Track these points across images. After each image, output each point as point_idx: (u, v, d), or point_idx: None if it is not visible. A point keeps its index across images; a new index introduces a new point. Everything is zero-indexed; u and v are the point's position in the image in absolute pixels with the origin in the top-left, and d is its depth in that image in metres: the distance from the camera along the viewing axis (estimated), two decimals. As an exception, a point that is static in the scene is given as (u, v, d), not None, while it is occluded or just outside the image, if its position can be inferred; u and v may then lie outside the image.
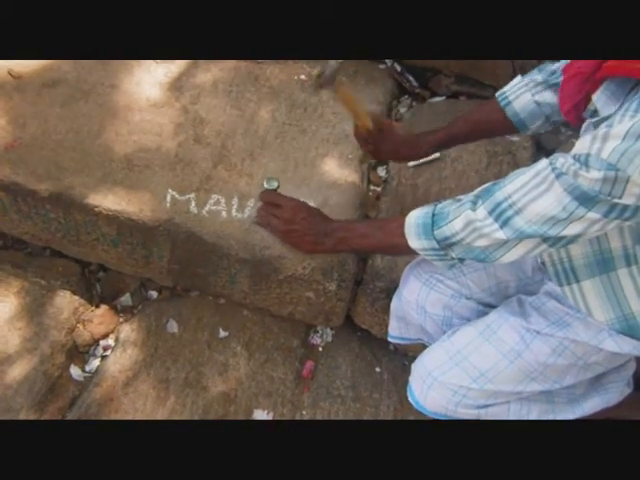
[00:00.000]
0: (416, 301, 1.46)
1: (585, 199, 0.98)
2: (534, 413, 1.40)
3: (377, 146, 1.59)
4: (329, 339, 1.89)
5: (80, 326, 1.82)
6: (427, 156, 1.58)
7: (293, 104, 2.00)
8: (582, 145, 0.98)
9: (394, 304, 1.56)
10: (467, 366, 1.33)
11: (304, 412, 1.72)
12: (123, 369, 1.74)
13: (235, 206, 1.70)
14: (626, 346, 1.23)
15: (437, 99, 2.22)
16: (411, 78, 2.25)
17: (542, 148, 2.06)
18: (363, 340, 1.88)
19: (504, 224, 1.07)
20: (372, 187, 1.94)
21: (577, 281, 1.24)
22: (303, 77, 2.08)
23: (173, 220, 1.67)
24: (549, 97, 1.37)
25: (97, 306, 1.90)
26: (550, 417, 1.41)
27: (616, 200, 0.95)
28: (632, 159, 0.91)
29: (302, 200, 1.46)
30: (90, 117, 1.86)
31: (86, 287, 1.94)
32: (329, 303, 1.70)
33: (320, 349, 1.87)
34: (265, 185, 1.48)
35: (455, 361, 1.34)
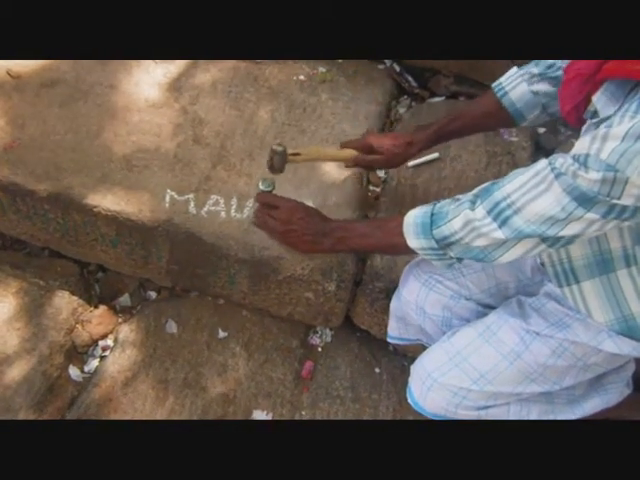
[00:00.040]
0: (415, 302, 1.46)
1: (584, 200, 0.98)
2: (534, 414, 1.40)
3: (372, 164, 1.63)
4: (328, 339, 1.89)
5: (79, 326, 1.82)
6: (422, 151, 1.57)
7: (292, 104, 2.00)
8: (581, 145, 0.98)
9: (393, 304, 1.56)
10: (467, 367, 1.32)
11: (303, 412, 1.72)
12: (122, 369, 1.74)
13: (234, 206, 1.70)
14: (626, 347, 1.23)
15: (436, 99, 2.22)
16: (410, 78, 2.25)
17: (541, 148, 2.06)
18: (362, 340, 1.88)
19: (503, 224, 1.07)
20: (371, 187, 1.94)
21: (577, 282, 1.24)
22: (302, 77, 2.08)
23: (172, 220, 1.66)
24: (545, 87, 1.36)
25: (96, 306, 1.89)
26: (550, 418, 1.41)
27: (615, 201, 0.95)
28: (631, 160, 0.91)
29: (300, 200, 1.46)
30: (89, 117, 1.86)
31: (85, 287, 1.93)
32: (328, 303, 1.70)
33: (319, 349, 1.86)
34: (260, 186, 1.48)
35: (455, 362, 1.34)
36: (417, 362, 1.41)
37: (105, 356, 1.80)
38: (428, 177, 1.89)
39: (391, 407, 1.74)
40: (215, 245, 1.65)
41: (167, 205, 1.69)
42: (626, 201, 0.95)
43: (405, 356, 1.84)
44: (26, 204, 1.75)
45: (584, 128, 1.15)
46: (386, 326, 1.63)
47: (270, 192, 1.48)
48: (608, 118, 1.01)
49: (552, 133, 2.09)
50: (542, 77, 1.37)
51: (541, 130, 2.10)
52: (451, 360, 1.34)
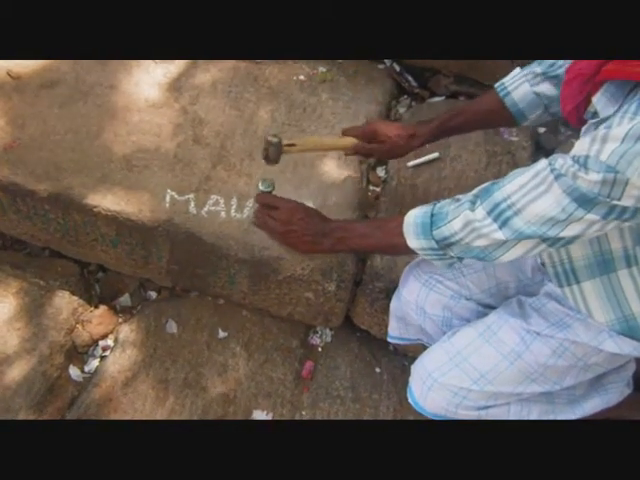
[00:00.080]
0: (415, 302, 1.46)
1: (584, 201, 0.98)
2: (534, 414, 1.40)
3: (372, 153, 1.61)
4: (328, 339, 1.89)
5: (79, 326, 1.82)
6: (423, 145, 1.56)
7: (292, 104, 2.00)
8: (581, 146, 0.98)
9: (393, 304, 1.56)
10: (467, 367, 1.32)
11: (303, 412, 1.72)
12: (122, 369, 1.74)
13: (234, 206, 1.70)
14: (626, 347, 1.23)
15: (436, 99, 2.22)
16: (410, 78, 2.25)
17: (541, 148, 2.06)
18: (362, 340, 1.88)
19: (503, 224, 1.07)
20: (371, 187, 1.94)
21: (577, 282, 1.24)
22: (302, 77, 2.08)
23: (172, 220, 1.66)
24: (548, 88, 1.36)
25: (96, 306, 1.89)
26: (550, 418, 1.41)
27: (615, 202, 0.95)
28: (631, 161, 0.91)
29: (300, 201, 1.46)
30: (89, 118, 1.86)
31: (85, 287, 1.93)
32: (328, 303, 1.70)
33: (319, 349, 1.86)
34: (260, 187, 1.48)
35: (455, 362, 1.34)
36: (417, 362, 1.41)
37: (105, 356, 1.80)
38: (428, 177, 1.89)
39: (391, 407, 1.74)
40: (215, 245, 1.65)
41: (167, 205, 1.69)
42: (626, 202, 0.95)
43: (405, 356, 1.84)
44: (26, 204, 1.75)
45: (584, 129, 1.15)
46: (386, 326, 1.63)
47: (270, 193, 1.48)
48: (608, 119, 1.01)
49: (552, 133, 2.09)
50: (545, 76, 1.37)
51: (541, 130, 2.10)
52: (451, 360, 1.34)
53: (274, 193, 1.48)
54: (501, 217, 1.07)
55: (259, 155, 1.82)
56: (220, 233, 1.66)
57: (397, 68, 2.25)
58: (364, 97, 2.06)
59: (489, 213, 1.09)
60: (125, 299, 1.93)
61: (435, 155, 1.91)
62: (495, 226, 1.08)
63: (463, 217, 1.12)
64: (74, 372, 1.75)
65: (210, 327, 1.85)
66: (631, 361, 1.44)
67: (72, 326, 1.80)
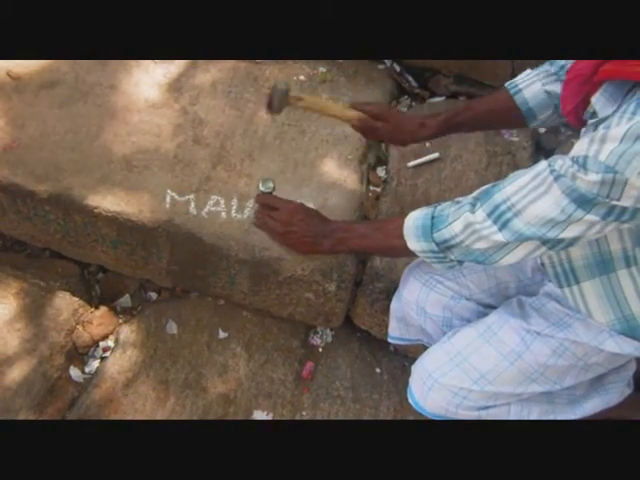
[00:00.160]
0: (416, 302, 1.46)
1: (583, 201, 0.98)
2: (534, 414, 1.40)
3: (375, 132, 1.54)
4: (329, 340, 1.89)
5: (79, 327, 1.82)
6: (432, 137, 1.53)
7: (292, 105, 2.00)
8: (580, 147, 0.98)
9: (394, 305, 1.55)
10: (467, 367, 1.32)
11: (304, 413, 1.72)
12: (122, 370, 1.74)
13: (234, 207, 1.70)
14: (627, 347, 1.23)
15: (436, 99, 2.22)
16: (410, 78, 2.25)
17: (542, 148, 2.06)
18: (363, 341, 1.88)
19: (503, 226, 1.07)
20: (371, 188, 1.94)
21: (577, 282, 1.24)
22: (302, 77, 2.08)
23: (172, 221, 1.66)
24: (559, 88, 1.35)
25: (96, 307, 1.89)
26: (550, 418, 1.41)
27: (614, 202, 0.95)
28: (630, 161, 0.91)
29: (300, 201, 1.46)
30: (89, 118, 1.86)
31: (85, 288, 1.93)
32: (329, 304, 1.70)
33: (320, 350, 1.86)
34: (260, 187, 1.48)
35: (455, 362, 1.34)
36: (418, 362, 1.41)
37: (106, 357, 1.80)
38: (428, 177, 1.89)
39: (392, 407, 1.74)
40: (215, 246, 1.65)
41: (167, 206, 1.69)
42: (625, 202, 0.95)
43: (406, 356, 1.84)
44: (26, 205, 1.75)
45: (584, 129, 1.15)
46: (386, 326, 1.63)
47: (270, 193, 1.48)
48: (606, 119, 1.01)
49: (552, 133, 2.09)
50: (556, 77, 1.35)
51: (542, 130, 2.10)
52: (452, 360, 1.34)
53: (274, 194, 1.48)
54: (501, 219, 1.07)
55: (259, 155, 1.83)
56: (220, 234, 1.66)
57: (397, 68, 2.24)
58: (364, 97, 2.05)
59: (489, 215, 1.09)
60: (125, 300, 1.93)
61: (435, 155, 1.91)
62: (495, 228, 1.08)
63: (463, 219, 1.12)
64: (74, 373, 1.75)
65: (210, 328, 1.85)
66: (631, 361, 1.44)
67: (72, 327, 1.80)
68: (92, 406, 1.67)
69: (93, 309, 1.88)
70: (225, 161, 1.81)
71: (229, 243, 1.65)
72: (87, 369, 1.78)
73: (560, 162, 1.00)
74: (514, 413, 1.38)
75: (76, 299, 1.85)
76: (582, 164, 0.96)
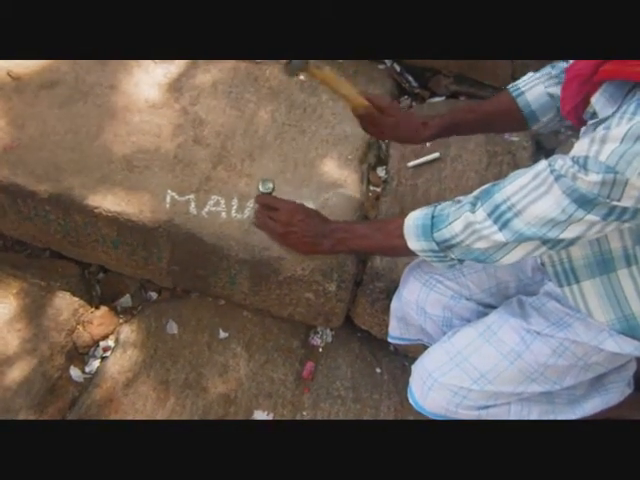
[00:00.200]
0: (416, 302, 1.46)
1: (584, 202, 0.98)
2: (534, 414, 1.40)
3: (378, 125, 1.53)
4: (329, 340, 1.89)
5: (80, 327, 1.82)
6: (434, 138, 1.53)
7: (292, 105, 2.00)
8: (580, 147, 0.98)
9: (394, 305, 1.55)
10: (467, 367, 1.32)
11: (304, 413, 1.72)
12: (123, 370, 1.74)
13: (235, 207, 1.70)
14: (627, 347, 1.23)
15: (436, 99, 2.22)
16: (410, 78, 2.25)
17: (542, 148, 2.06)
18: (363, 341, 1.88)
19: (503, 226, 1.07)
20: (372, 188, 1.94)
21: (577, 282, 1.24)
22: (302, 77, 2.08)
23: (173, 221, 1.66)
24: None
25: (97, 307, 1.89)
26: (551, 418, 1.41)
27: (615, 202, 0.95)
28: (630, 161, 0.91)
29: (300, 201, 1.46)
30: (89, 118, 1.86)
31: (86, 288, 1.93)
32: (329, 304, 1.70)
33: (320, 350, 1.86)
34: (260, 188, 1.48)
35: (455, 362, 1.34)
36: (418, 362, 1.41)
37: (106, 357, 1.80)
38: (429, 177, 1.89)
39: (392, 407, 1.74)
40: (216, 246, 1.65)
41: (168, 206, 1.69)
42: (626, 202, 0.95)
43: (406, 356, 1.84)
44: (27, 205, 1.75)
45: (583, 129, 1.15)
46: (387, 326, 1.63)
47: (270, 193, 1.48)
48: (606, 119, 1.00)
49: (552, 133, 2.09)
50: (559, 80, 1.34)
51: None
52: (452, 360, 1.34)
53: (274, 194, 1.48)
54: (501, 219, 1.07)
55: (260, 155, 1.83)
56: (221, 234, 1.66)
57: (397, 68, 2.25)
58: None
59: (489, 215, 1.09)
60: (126, 300, 1.93)
61: (435, 155, 1.91)
62: (495, 228, 1.08)
63: (464, 219, 1.12)
64: (75, 373, 1.75)
65: (211, 328, 1.85)
66: (632, 361, 1.44)
67: (73, 327, 1.80)
68: (92, 406, 1.67)
69: (93, 309, 1.88)
70: (225, 161, 1.81)
71: (229, 243, 1.65)
72: (87, 369, 1.78)
73: (560, 162, 1.00)
74: (514, 413, 1.38)
75: (76, 299, 1.85)
76: (583, 164, 0.96)
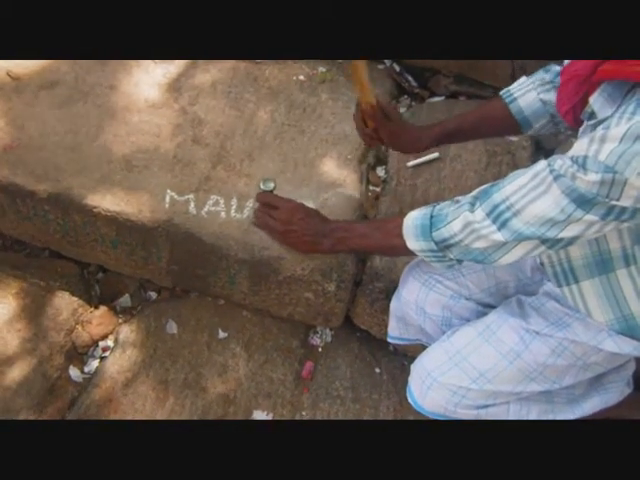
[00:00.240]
0: (415, 302, 1.46)
1: (583, 201, 0.98)
2: (534, 413, 1.40)
3: (377, 130, 1.53)
4: (328, 340, 1.89)
5: (79, 327, 1.82)
6: (427, 149, 1.54)
7: (292, 105, 2.00)
8: (580, 147, 0.98)
9: (393, 304, 1.56)
10: (466, 366, 1.33)
11: (304, 413, 1.72)
12: (122, 370, 1.74)
13: (234, 207, 1.70)
14: (626, 347, 1.23)
15: (436, 99, 2.22)
16: (410, 78, 2.25)
17: (541, 148, 2.05)
18: (362, 341, 1.88)
19: (502, 226, 1.07)
20: (371, 187, 1.94)
21: (576, 282, 1.24)
22: (302, 77, 2.08)
23: (172, 221, 1.66)
24: (555, 97, 1.35)
25: (96, 307, 1.89)
26: (550, 417, 1.41)
27: (614, 202, 0.95)
28: (629, 161, 0.91)
29: (300, 201, 1.46)
30: (88, 118, 1.86)
31: (85, 288, 1.93)
32: (328, 304, 1.70)
33: (319, 350, 1.86)
34: (261, 187, 1.48)
35: (454, 361, 1.34)
36: (417, 361, 1.41)
37: (105, 357, 1.80)
38: (428, 177, 1.90)
39: (391, 407, 1.75)
40: (215, 245, 1.65)
41: (167, 205, 1.69)
42: (625, 202, 0.95)
43: (405, 356, 1.84)
44: (26, 205, 1.75)
45: (581, 129, 1.15)
46: (386, 326, 1.63)
47: (271, 192, 1.48)
48: (605, 119, 1.01)
49: (552, 133, 2.09)
50: (552, 85, 1.35)
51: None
52: (451, 359, 1.34)
53: (275, 193, 1.48)
54: (500, 218, 1.07)
55: (259, 155, 1.83)
56: (220, 233, 1.66)
57: (397, 68, 2.25)
58: (364, 97, 2.05)
59: (488, 214, 1.09)
60: (125, 300, 1.93)
61: (435, 155, 1.91)
62: (494, 227, 1.08)
63: (462, 218, 1.12)
64: (74, 373, 1.75)
65: (210, 327, 1.85)
66: (631, 360, 1.45)
67: (72, 327, 1.80)
68: (92, 406, 1.67)
69: (93, 309, 1.88)
70: (225, 161, 1.81)
71: (229, 243, 1.65)
72: (87, 369, 1.78)
73: (560, 162, 1.00)
74: (513, 412, 1.38)
75: (76, 299, 1.85)
76: (582, 164, 0.96)
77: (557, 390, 1.37)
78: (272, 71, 2.09)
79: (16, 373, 1.67)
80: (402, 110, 2.17)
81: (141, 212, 1.67)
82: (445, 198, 1.21)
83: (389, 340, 1.63)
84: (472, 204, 1.12)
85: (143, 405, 1.68)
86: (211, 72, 2.05)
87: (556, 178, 1.00)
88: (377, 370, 1.82)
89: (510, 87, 1.42)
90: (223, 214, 1.69)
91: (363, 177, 1.89)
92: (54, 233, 1.81)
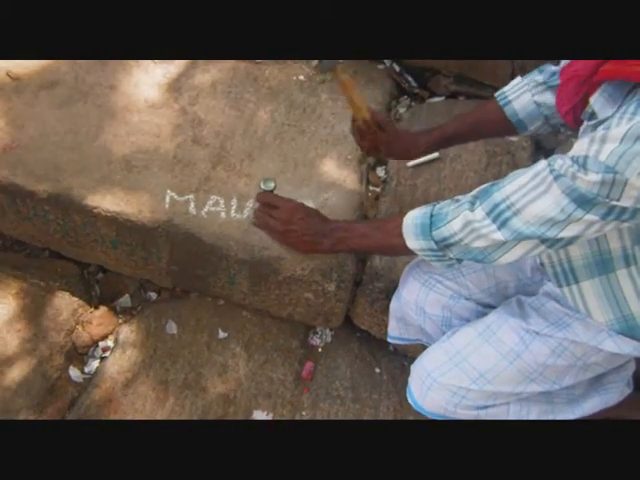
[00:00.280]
0: (415, 302, 1.46)
1: (583, 201, 0.98)
2: (534, 414, 1.40)
3: (374, 142, 1.57)
4: (328, 340, 1.89)
5: (79, 327, 1.82)
6: (425, 154, 1.57)
7: (292, 105, 2.00)
8: (580, 147, 0.98)
9: (393, 305, 1.56)
10: (466, 367, 1.32)
11: (304, 413, 1.72)
12: (122, 370, 1.74)
13: (234, 207, 1.70)
14: (626, 347, 1.23)
15: (436, 99, 2.22)
16: (410, 78, 2.25)
17: (541, 148, 2.06)
18: (362, 341, 1.88)
19: (502, 225, 1.07)
20: (371, 187, 1.94)
21: (576, 282, 1.24)
22: (302, 77, 2.08)
23: (172, 221, 1.66)
24: (549, 98, 1.36)
25: (96, 307, 1.89)
26: (550, 417, 1.41)
27: (614, 202, 0.95)
28: (630, 162, 0.91)
29: (300, 201, 1.46)
30: (88, 118, 1.86)
31: (85, 288, 1.93)
32: (328, 304, 1.70)
33: (319, 350, 1.86)
34: (262, 186, 1.48)
35: (454, 362, 1.34)
36: (417, 362, 1.41)
37: (105, 357, 1.80)
38: (428, 177, 1.89)
39: (391, 407, 1.75)
40: (215, 246, 1.65)
41: (167, 206, 1.69)
42: (625, 202, 0.95)
43: (405, 356, 1.84)
44: (26, 205, 1.75)
45: (582, 129, 1.15)
46: (386, 326, 1.63)
47: (271, 192, 1.48)
48: (606, 120, 1.01)
49: (552, 133, 2.09)
50: (546, 86, 1.36)
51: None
52: (451, 360, 1.34)
53: (275, 193, 1.48)
54: (500, 218, 1.07)
55: (259, 155, 1.83)
56: (220, 234, 1.66)
57: (397, 68, 2.25)
58: (364, 97, 2.05)
59: (488, 214, 1.09)
60: (125, 300, 1.93)
61: (435, 155, 1.91)
62: (494, 227, 1.08)
63: (462, 217, 1.12)
64: (74, 373, 1.75)
65: (210, 328, 1.85)
66: (631, 361, 1.44)
67: (72, 327, 1.80)
68: (92, 406, 1.67)
69: (93, 309, 1.88)
70: (225, 161, 1.81)
71: (229, 243, 1.65)
72: (87, 369, 1.78)
73: (560, 162, 1.00)
74: (513, 413, 1.38)
75: (76, 299, 1.85)
76: (582, 164, 0.96)
77: (557, 390, 1.37)
78: (272, 71, 2.09)
79: (16, 373, 1.67)
80: (402, 110, 2.17)
81: (141, 212, 1.67)
82: (445, 198, 1.21)
83: (389, 340, 1.63)
84: (472, 203, 1.12)
85: (143, 405, 1.68)
86: (211, 72, 2.06)
87: (556, 178, 1.00)
88: (377, 370, 1.82)
89: (505, 89, 1.43)
90: (223, 214, 1.69)
91: (363, 177, 1.89)
92: (54, 233, 1.81)
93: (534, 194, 1.03)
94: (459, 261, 1.20)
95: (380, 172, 1.99)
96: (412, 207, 1.25)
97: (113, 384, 1.71)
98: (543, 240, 1.06)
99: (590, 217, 0.99)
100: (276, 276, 1.65)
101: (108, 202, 1.68)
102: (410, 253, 1.24)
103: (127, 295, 1.93)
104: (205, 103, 1.96)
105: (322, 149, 1.88)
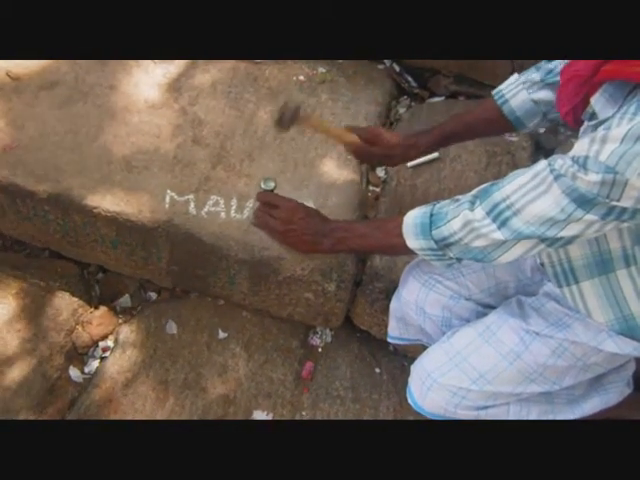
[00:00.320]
0: (415, 302, 1.46)
1: (583, 201, 0.98)
2: (534, 414, 1.40)
3: (371, 158, 1.62)
4: (328, 340, 1.89)
5: (79, 327, 1.82)
6: (424, 154, 1.57)
7: (292, 105, 1.99)
8: (580, 147, 0.98)
9: (393, 305, 1.55)
10: (466, 367, 1.32)
11: (304, 413, 1.72)
12: (122, 370, 1.74)
13: (234, 207, 1.70)
14: (626, 347, 1.23)
15: (436, 99, 2.22)
16: (410, 78, 2.25)
17: (541, 148, 2.06)
18: (362, 341, 1.88)
19: (502, 225, 1.07)
20: (371, 187, 1.94)
21: (576, 282, 1.24)
22: (302, 78, 2.08)
23: (172, 221, 1.66)
24: (546, 95, 1.36)
25: (96, 307, 1.89)
26: (550, 418, 1.41)
27: (614, 203, 0.95)
28: (630, 162, 0.91)
29: (300, 201, 1.46)
30: (88, 118, 1.86)
31: (85, 288, 1.93)
32: (328, 304, 1.70)
33: (319, 350, 1.86)
34: (262, 186, 1.48)
35: (454, 362, 1.34)
36: (417, 362, 1.41)
37: (105, 357, 1.80)
38: (428, 177, 1.89)
39: (391, 407, 1.74)
40: (215, 246, 1.65)
41: (167, 206, 1.69)
42: (625, 203, 0.95)
43: (405, 356, 1.84)
44: (26, 205, 1.75)
45: (582, 130, 1.15)
46: (386, 326, 1.63)
47: (271, 192, 1.48)
48: (606, 120, 1.00)
49: (552, 133, 2.09)
50: (542, 84, 1.36)
51: (541, 130, 2.10)
52: (451, 360, 1.34)
53: (275, 192, 1.48)
54: (500, 217, 1.07)
55: (259, 156, 1.83)
56: (220, 234, 1.66)
57: (397, 68, 2.25)
58: (364, 98, 2.06)
59: (488, 213, 1.09)
60: (125, 300, 1.93)
61: (435, 155, 1.91)
62: (494, 226, 1.08)
63: (462, 217, 1.12)
64: (74, 373, 1.75)
65: (210, 328, 1.85)
66: (631, 361, 1.44)
67: (72, 327, 1.80)
68: (92, 406, 1.67)
69: (93, 309, 1.88)
70: (225, 161, 1.81)
71: (229, 243, 1.65)
72: (87, 369, 1.78)
73: (560, 162, 1.00)
74: (513, 413, 1.38)
75: (76, 299, 1.85)
76: (582, 164, 0.96)
77: (557, 391, 1.36)
78: (272, 71, 2.09)
79: (16, 373, 1.67)
80: (402, 110, 2.17)
81: (141, 212, 1.67)
82: (445, 198, 1.21)
83: (389, 340, 1.63)
84: (472, 203, 1.12)
85: (143, 405, 1.68)
86: (211, 72, 2.06)
87: (556, 178, 1.00)
88: (377, 370, 1.82)
89: (501, 87, 1.44)
90: (223, 214, 1.69)
91: (363, 177, 1.89)
92: (54, 233, 1.81)
93: (534, 194, 1.03)
94: (459, 260, 1.20)
95: (380, 172, 1.99)
96: (412, 207, 1.24)
97: (113, 384, 1.71)
98: (543, 239, 1.06)
99: (590, 217, 0.99)
100: (276, 276, 1.65)
101: (108, 202, 1.68)
102: (410, 253, 1.24)
103: (127, 295, 1.93)
104: (205, 103, 1.96)
105: (322, 149, 1.88)
